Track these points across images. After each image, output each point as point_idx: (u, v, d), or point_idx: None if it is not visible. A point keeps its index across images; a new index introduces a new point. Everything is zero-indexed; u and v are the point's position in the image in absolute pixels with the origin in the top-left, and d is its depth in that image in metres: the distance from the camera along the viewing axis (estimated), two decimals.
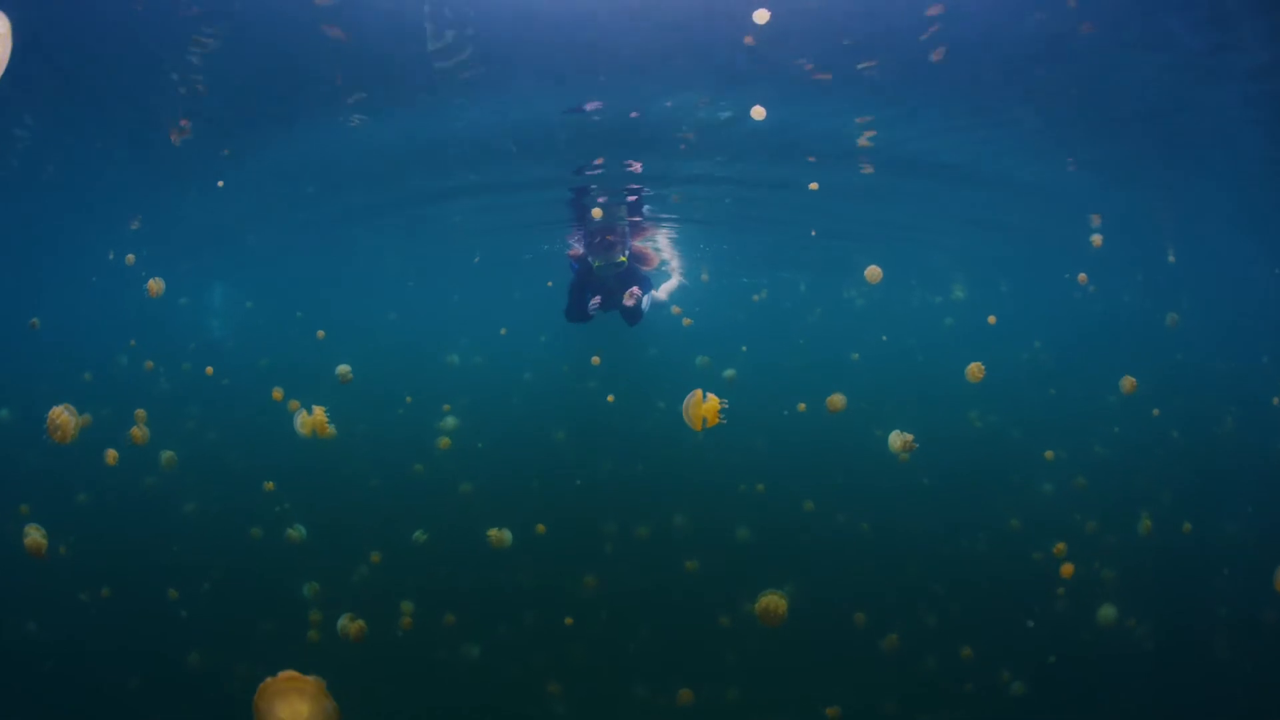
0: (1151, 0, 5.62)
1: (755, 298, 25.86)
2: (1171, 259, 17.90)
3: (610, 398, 11.01)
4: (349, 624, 9.18)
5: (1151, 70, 6.90)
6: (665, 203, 11.14)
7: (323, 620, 11.01)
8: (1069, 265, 20.37)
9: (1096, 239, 12.39)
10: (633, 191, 10.33)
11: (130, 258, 12.26)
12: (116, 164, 10.98)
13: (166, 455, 11.87)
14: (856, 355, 21.36)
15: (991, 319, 9.92)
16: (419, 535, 11.82)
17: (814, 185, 9.98)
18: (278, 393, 9.20)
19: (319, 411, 6.48)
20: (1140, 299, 25.65)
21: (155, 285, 10.06)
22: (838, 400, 7.44)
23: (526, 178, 9.76)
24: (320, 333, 13.86)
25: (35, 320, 15.82)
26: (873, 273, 7.91)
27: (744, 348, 23.83)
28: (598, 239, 10.10)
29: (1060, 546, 7.67)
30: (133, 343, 21.21)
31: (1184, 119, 8.31)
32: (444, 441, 11.78)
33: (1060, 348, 28.52)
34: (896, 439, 7.20)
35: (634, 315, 9.53)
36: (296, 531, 11.42)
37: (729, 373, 14.91)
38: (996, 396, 20.92)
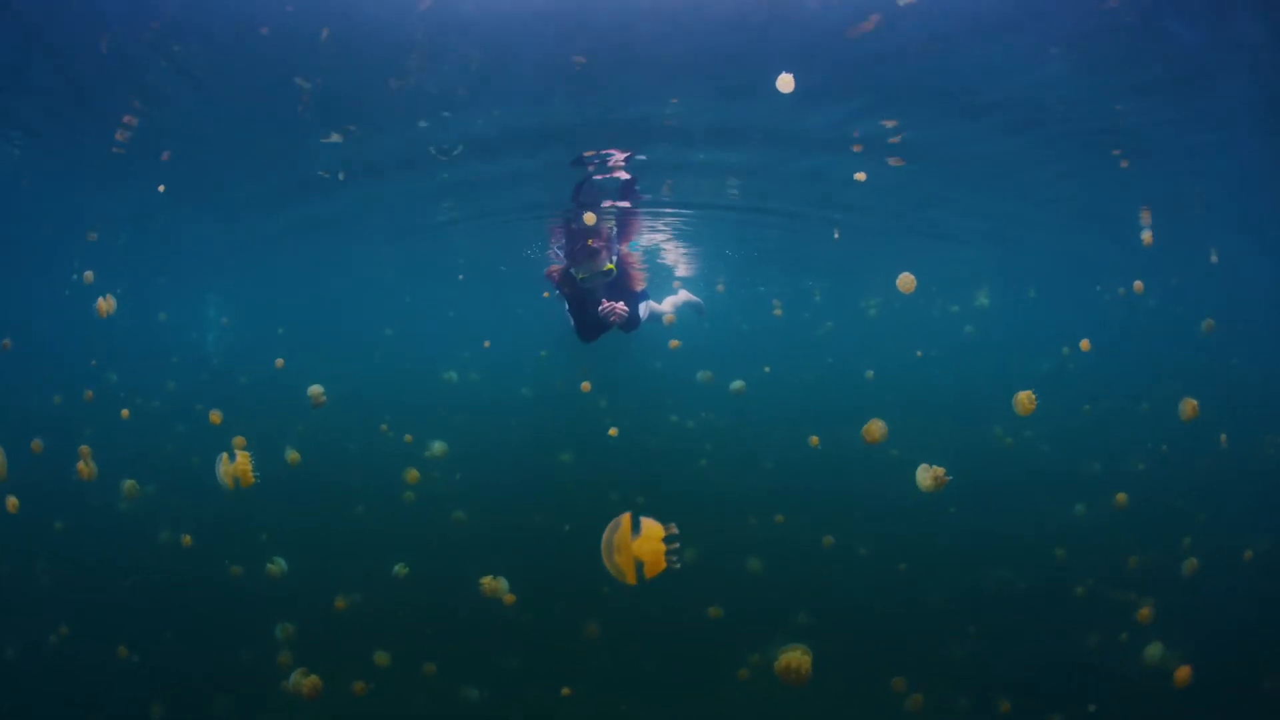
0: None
1: (776, 311, 24.56)
2: (1214, 259, 16.71)
3: (613, 431, 9.87)
4: (301, 680, 8.12)
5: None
6: (662, 185, 9.82)
7: (293, 664, 10.21)
8: (1099, 270, 19.23)
9: (1146, 236, 11.25)
10: (626, 171, 9.07)
11: (88, 275, 11.35)
12: (80, 177, 10.21)
13: (128, 484, 10.97)
14: (871, 372, 20.16)
15: (1085, 344, 8.77)
16: (400, 569, 10.80)
17: (860, 175, 8.66)
18: (215, 416, 8.17)
19: (242, 458, 5.41)
20: (1171, 304, 24.43)
21: (104, 304, 9.29)
22: (876, 429, 6.23)
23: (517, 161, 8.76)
24: (279, 361, 12.88)
25: (7, 341, 15.02)
26: (905, 281, 6.79)
27: (767, 368, 22.51)
28: (579, 245, 8.71)
29: (1145, 613, 6.49)
30: (94, 362, 20.33)
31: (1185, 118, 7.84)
32: (412, 474, 10.71)
33: (1092, 356, 27.15)
34: (925, 475, 6.06)
35: (629, 324, 8.41)
36: (276, 565, 10.47)
37: (737, 384, 13.75)
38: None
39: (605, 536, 3.55)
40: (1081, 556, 12.69)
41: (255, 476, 5.45)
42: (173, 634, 11.41)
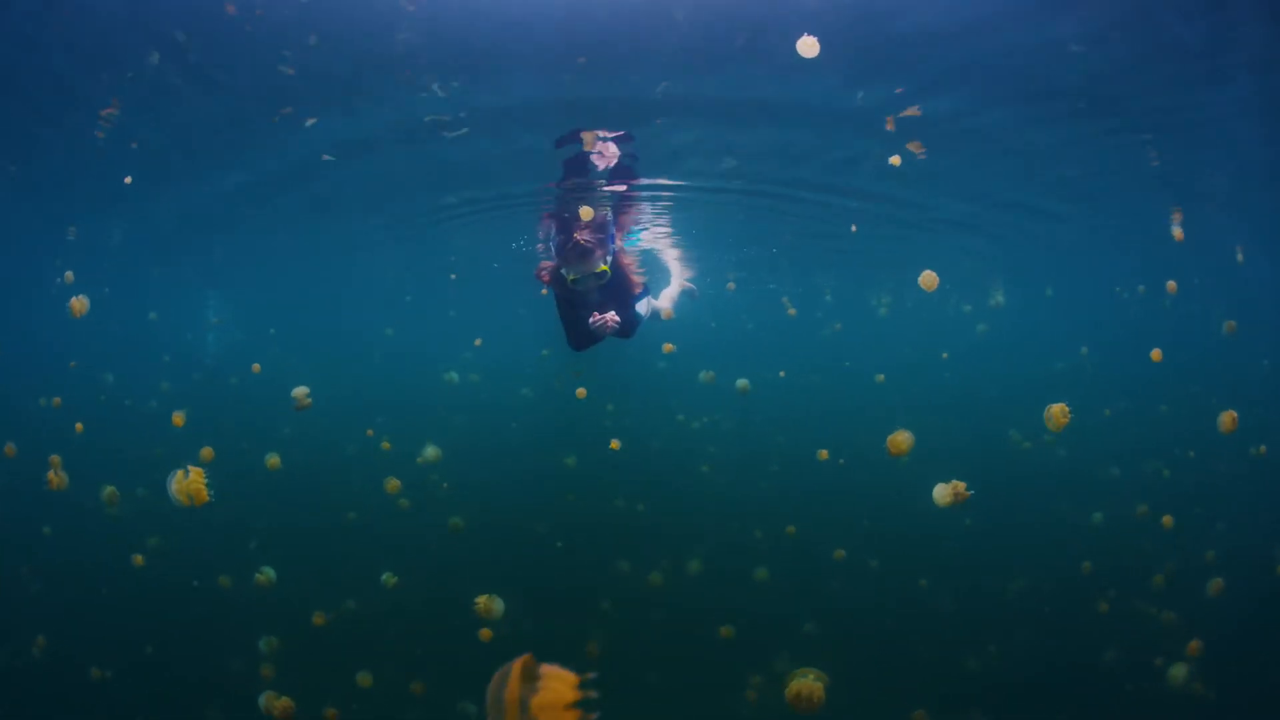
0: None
1: (790, 311, 23.87)
2: (1240, 258, 16.08)
3: (615, 444, 9.24)
4: (272, 702, 7.65)
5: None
6: (660, 165, 8.84)
7: (275, 678, 9.63)
8: (1120, 269, 18.61)
9: (1178, 232, 10.67)
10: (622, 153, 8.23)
11: (69, 275, 10.95)
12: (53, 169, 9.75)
13: (109, 491, 10.55)
14: (881, 376, 19.51)
15: (1156, 354, 8.20)
16: (388, 578, 10.32)
17: (896, 159, 7.87)
18: (178, 418, 7.72)
19: (196, 475, 4.89)
20: (1191, 304, 23.75)
21: (78, 304, 8.89)
22: (902, 441, 5.64)
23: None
24: (255, 366, 12.41)
25: None
26: (928, 279, 6.24)
27: (782, 373, 21.77)
28: (570, 244, 7.52)
29: (1194, 645, 5.94)
30: (73, 364, 19.89)
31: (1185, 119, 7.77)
32: (393, 484, 10.22)
33: (1110, 357, 26.57)
34: (944, 492, 5.52)
35: (624, 331, 7.67)
36: (265, 575, 10.02)
37: (741, 383, 13.19)
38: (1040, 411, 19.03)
39: (491, 691, 2.24)
40: (1105, 567, 12.10)
41: (210, 494, 4.94)
42: (155, 647, 10.95)
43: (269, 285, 21.38)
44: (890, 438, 5.52)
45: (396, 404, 21.68)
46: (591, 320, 7.06)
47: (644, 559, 12.60)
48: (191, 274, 18.93)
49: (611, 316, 7.04)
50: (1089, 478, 16.63)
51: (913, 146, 7.34)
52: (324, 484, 15.58)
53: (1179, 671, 8.87)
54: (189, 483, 4.94)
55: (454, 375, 21.35)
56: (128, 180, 9.00)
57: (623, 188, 9.47)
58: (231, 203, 11.89)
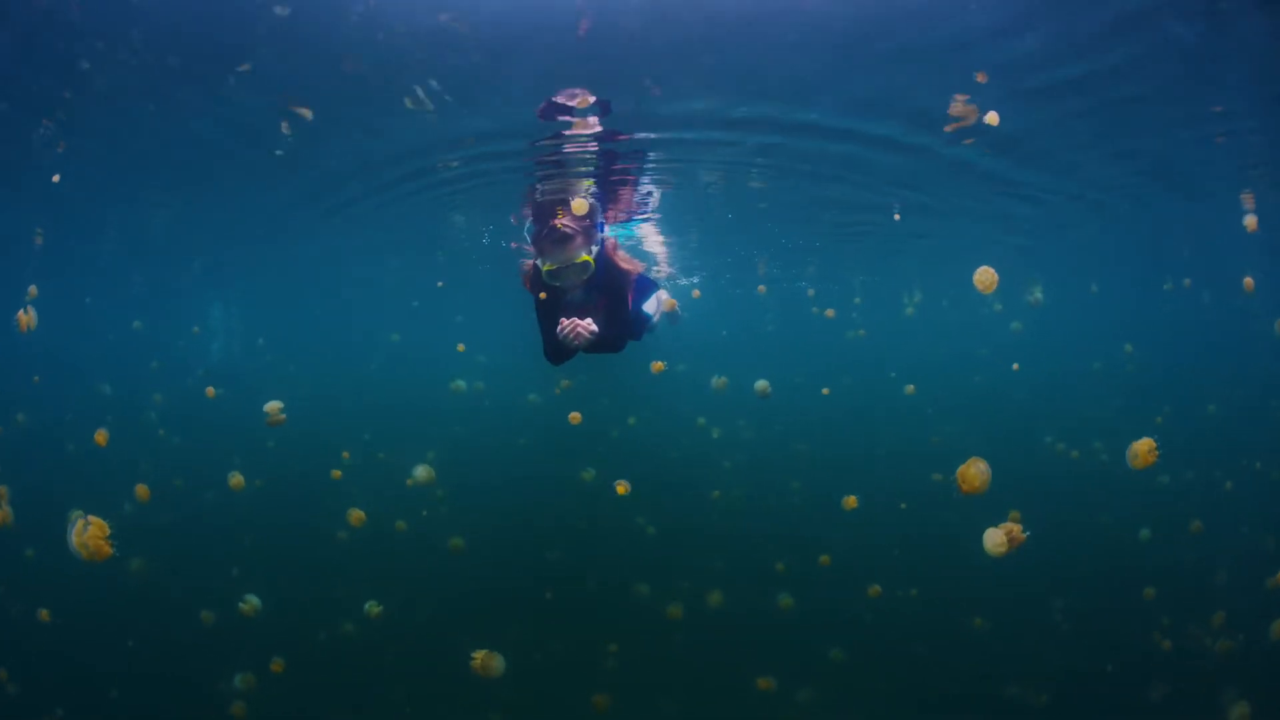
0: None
1: (828, 313, 22.65)
2: None
3: (622, 488, 8.17)
4: None
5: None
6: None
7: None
8: (1170, 263, 17.59)
9: (1251, 220, 9.57)
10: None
11: (33, 289, 10.23)
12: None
13: (75, 515, 9.78)
14: (912, 387, 18.31)
15: None
16: (371, 607, 9.52)
17: (993, 116, 6.02)
18: (101, 436, 6.96)
19: (96, 528, 4.02)
20: (1233, 300, 22.49)
21: (24, 317, 8.13)
22: (975, 476, 4.55)
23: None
24: (210, 390, 11.70)
25: None
26: (985, 278, 5.24)
27: (825, 390, 20.52)
28: (545, 230, 6.22)
29: None
30: (36, 379, 19.31)
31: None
32: (356, 516, 9.38)
33: (1153, 355, 25.36)
34: (998, 538, 4.57)
35: (607, 344, 6.30)
36: (249, 604, 9.24)
37: (761, 385, 12.12)
38: (1087, 418, 17.98)
39: None
40: (1161, 591, 11.01)
41: (112, 548, 4.06)
42: (119, 687, 10.13)
43: (267, 291, 20.73)
44: (961, 470, 4.45)
45: (399, 411, 21.00)
46: (560, 328, 5.70)
47: (662, 582, 11.73)
48: (185, 281, 18.31)
49: (586, 324, 5.68)
50: (1137, 487, 15.46)
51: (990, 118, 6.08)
52: (316, 498, 14.79)
53: (1240, 712, 7.91)
54: (88, 536, 4.06)
55: (461, 384, 20.58)
56: (56, 179, 8.22)
57: (615, 142, 7.78)
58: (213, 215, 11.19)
